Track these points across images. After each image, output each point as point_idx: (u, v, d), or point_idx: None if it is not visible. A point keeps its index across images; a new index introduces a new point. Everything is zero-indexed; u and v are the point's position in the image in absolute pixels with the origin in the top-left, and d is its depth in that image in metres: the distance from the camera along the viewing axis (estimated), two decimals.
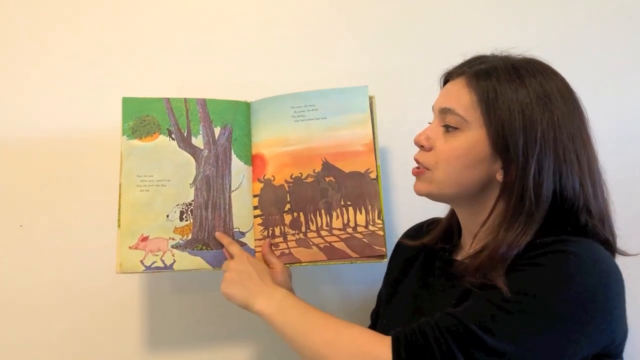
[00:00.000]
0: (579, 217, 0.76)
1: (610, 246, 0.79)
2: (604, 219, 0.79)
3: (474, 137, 0.78)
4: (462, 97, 0.80)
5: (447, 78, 0.86)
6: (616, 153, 1.16)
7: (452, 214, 0.92)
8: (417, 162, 0.85)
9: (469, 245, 0.85)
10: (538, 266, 0.70)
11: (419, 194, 0.85)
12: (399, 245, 1.01)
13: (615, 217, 0.81)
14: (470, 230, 0.85)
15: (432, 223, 0.97)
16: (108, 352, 1.11)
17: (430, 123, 0.85)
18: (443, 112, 0.81)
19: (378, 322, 0.94)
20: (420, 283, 0.89)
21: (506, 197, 0.77)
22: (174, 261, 0.97)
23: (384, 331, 0.88)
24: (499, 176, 0.78)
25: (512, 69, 0.78)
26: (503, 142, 0.76)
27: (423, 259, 0.93)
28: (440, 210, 0.95)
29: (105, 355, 1.11)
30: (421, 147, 0.84)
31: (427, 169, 0.83)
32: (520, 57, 0.82)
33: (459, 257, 0.86)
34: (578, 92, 0.81)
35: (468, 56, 0.85)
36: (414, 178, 1.13)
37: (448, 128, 0.80)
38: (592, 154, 0.79)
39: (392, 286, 0.95)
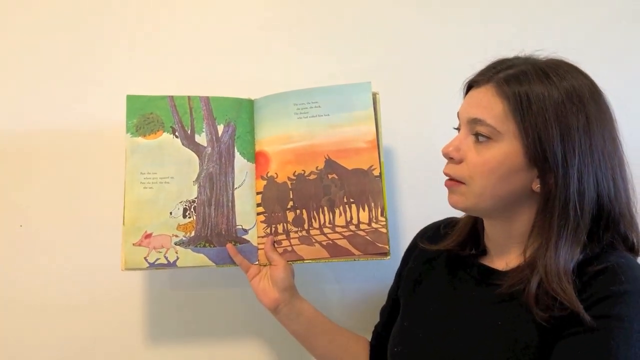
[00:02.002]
0: (618, 226, 0.76)
1: (635, 251, 0.79)
2: (633, 221, 0.78)
3: (508, 148, 0.75)
4: (493, 106, 0.76)
5: (471, 84, 0.82)
6: None
7: (474, 219, 0.89)
8: (449, 175, 0.81)
9: (499, 255, 0.83)
10: (611, 319, 0.69)
11: (456, 207, 0.81)
12: (415, 246, 0.98)
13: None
14: (497, 241, 0.84)
15: (449, 224, 0.95)
16: (110, 349, 1.11)
17: (456, 129, 0.82)
18: (473, 122, 0.78)
19: (398, 324, 0.92)
20: (447, 288, 0.86)
21: (548, 208, 0.75)
22: (177, 258, 0.97)
23: (406, 333, 0.88)
24: (536, 186, 0.76)
25: (541, 72, 0.75)
26: (541, 153, 0.73)
27: (446, 261, 0.90)
28: (446, 207, 0.94)
29: (107, 351, 1.11)
30: (450, 159, 0.80)
31: (461, 182, 0.79)
32: (546, 58, 0.79)
33: (494, 266, 0.83)
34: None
35: (490, 60, 0.81)
36: (418, 175, 1.15)
37: (479, 137, 0.77)
38: (621, 155, 0.78)
39: (413, 287, 0.92)
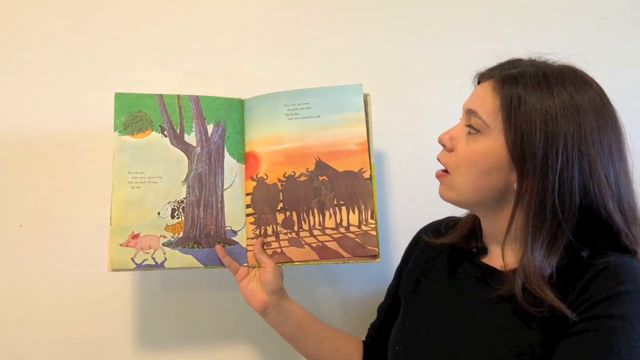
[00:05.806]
0: (618, 236, 0.75)
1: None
2: (633, 232, 0.77)
3: (493, 143, 0.77)
4: (487, 100, 0.78)
5: (479, 79, 0.85)
6: None
7: (475, 216, 0.90)
8: (439, 161, 0.84)
9: (497, 252, 0.83)
10: (610, 319, 0.69)
11: (443, 199, 0.84)
12: (418, 241, 0.98)
13: None
14: (493, 235, 0.84)
15: (449, 223, 0.95)
16: (104, 349, 1.11)
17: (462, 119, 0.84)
18: (469, 113, 0.80)
19: (399, 323, 0.92)
20: (449, 288, 0.87)
21: (524, 209, 0.75)
22: (165, 259, 0.96)
23: (407, 332, 0.88)
24: (515, 185, 0.76)
25: (542, 76, 0.75)
26: (520, 153, 0.74)
27: (447, 261, 0.90)
28: (438, 210, 0.94)
29: (100, 351, 1.11)
30: (443, 146, 0.84)
31: (449, 171, 0.82)
32: (556, 64, 0.79)
33: (494, 265, 0.84)
34: (620, 100, 0.78)
35: (503, 58, 0.82)
36: (407, 177, 1.15)
37: (470, 130, 0.79)
38: (624, 168, 0.77)
39: (414, 286, 0.92)
